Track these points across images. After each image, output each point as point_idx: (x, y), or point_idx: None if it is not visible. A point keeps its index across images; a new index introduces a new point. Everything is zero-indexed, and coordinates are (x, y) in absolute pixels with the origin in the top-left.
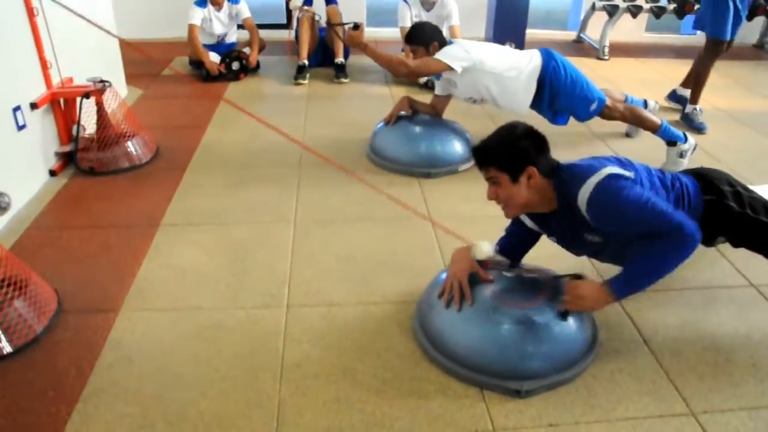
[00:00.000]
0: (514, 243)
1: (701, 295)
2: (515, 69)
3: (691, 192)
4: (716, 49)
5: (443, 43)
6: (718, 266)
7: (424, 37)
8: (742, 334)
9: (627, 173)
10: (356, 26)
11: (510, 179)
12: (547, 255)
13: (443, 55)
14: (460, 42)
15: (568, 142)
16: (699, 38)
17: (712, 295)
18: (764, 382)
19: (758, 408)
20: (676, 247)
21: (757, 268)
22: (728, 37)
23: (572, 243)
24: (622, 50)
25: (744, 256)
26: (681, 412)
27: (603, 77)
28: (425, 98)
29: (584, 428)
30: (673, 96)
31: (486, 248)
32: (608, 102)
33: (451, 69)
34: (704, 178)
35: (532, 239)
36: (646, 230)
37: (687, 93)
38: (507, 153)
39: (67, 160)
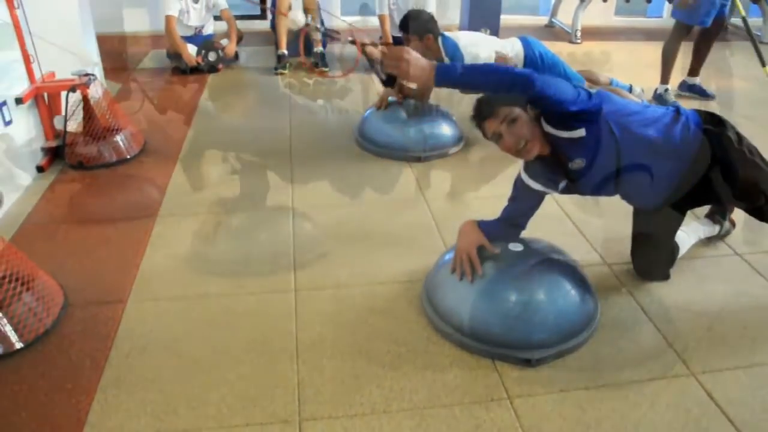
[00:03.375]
0: (522, 208)
1: (691, 264)
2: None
3: (690, 119)
4: (682, 32)
5: (437, 34)
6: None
7: (419, 27)
8: (731, 299)
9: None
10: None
11: (524, 111)
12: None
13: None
14: (455, 37)
15: None
16: (666, 21)
17: (701, 264)
18: (755, 342)
19: (752, 366)
20: (515, 79)
21: (740, 238)
22: (697, 23)
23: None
24: (593, 34)
25: None
26: (682, 373)
27: (578, 61)
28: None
29: (594, 393)
30: (684, 86)
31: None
32: (587, 86)
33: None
34: (708, 113)
35: (538, 202)
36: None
37: (696, 80)
38: None
39: (53, 155)
